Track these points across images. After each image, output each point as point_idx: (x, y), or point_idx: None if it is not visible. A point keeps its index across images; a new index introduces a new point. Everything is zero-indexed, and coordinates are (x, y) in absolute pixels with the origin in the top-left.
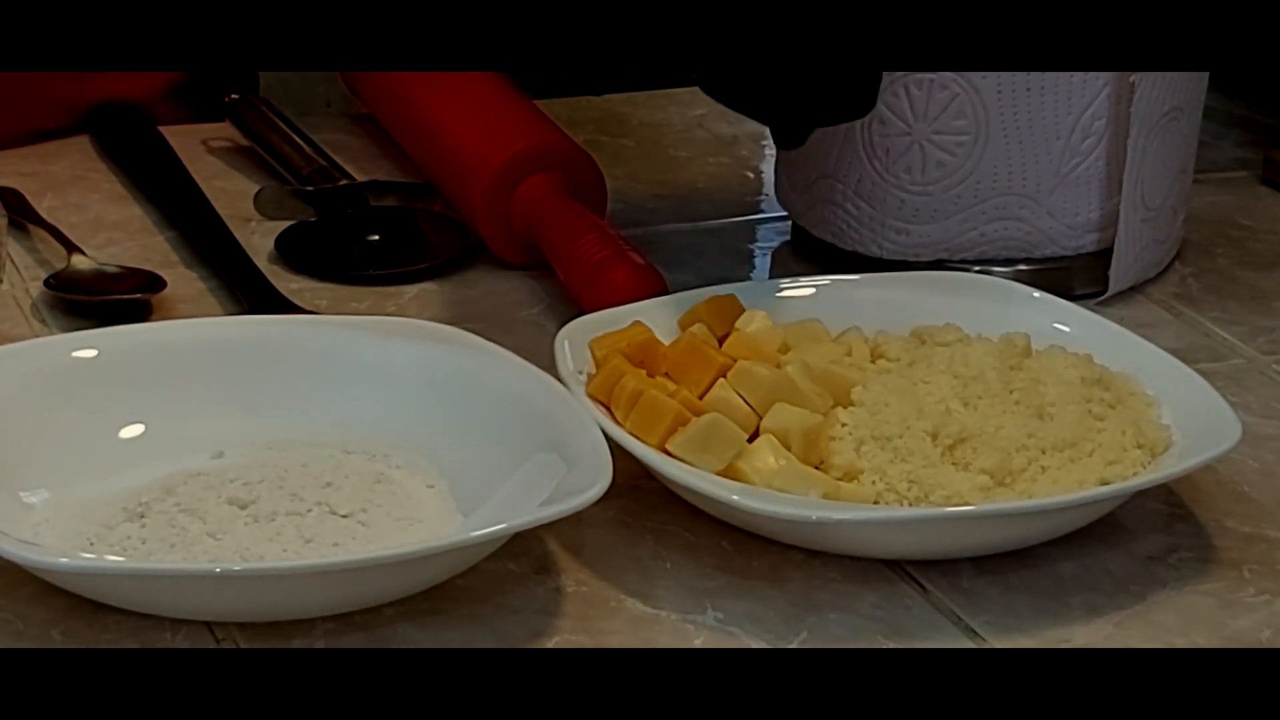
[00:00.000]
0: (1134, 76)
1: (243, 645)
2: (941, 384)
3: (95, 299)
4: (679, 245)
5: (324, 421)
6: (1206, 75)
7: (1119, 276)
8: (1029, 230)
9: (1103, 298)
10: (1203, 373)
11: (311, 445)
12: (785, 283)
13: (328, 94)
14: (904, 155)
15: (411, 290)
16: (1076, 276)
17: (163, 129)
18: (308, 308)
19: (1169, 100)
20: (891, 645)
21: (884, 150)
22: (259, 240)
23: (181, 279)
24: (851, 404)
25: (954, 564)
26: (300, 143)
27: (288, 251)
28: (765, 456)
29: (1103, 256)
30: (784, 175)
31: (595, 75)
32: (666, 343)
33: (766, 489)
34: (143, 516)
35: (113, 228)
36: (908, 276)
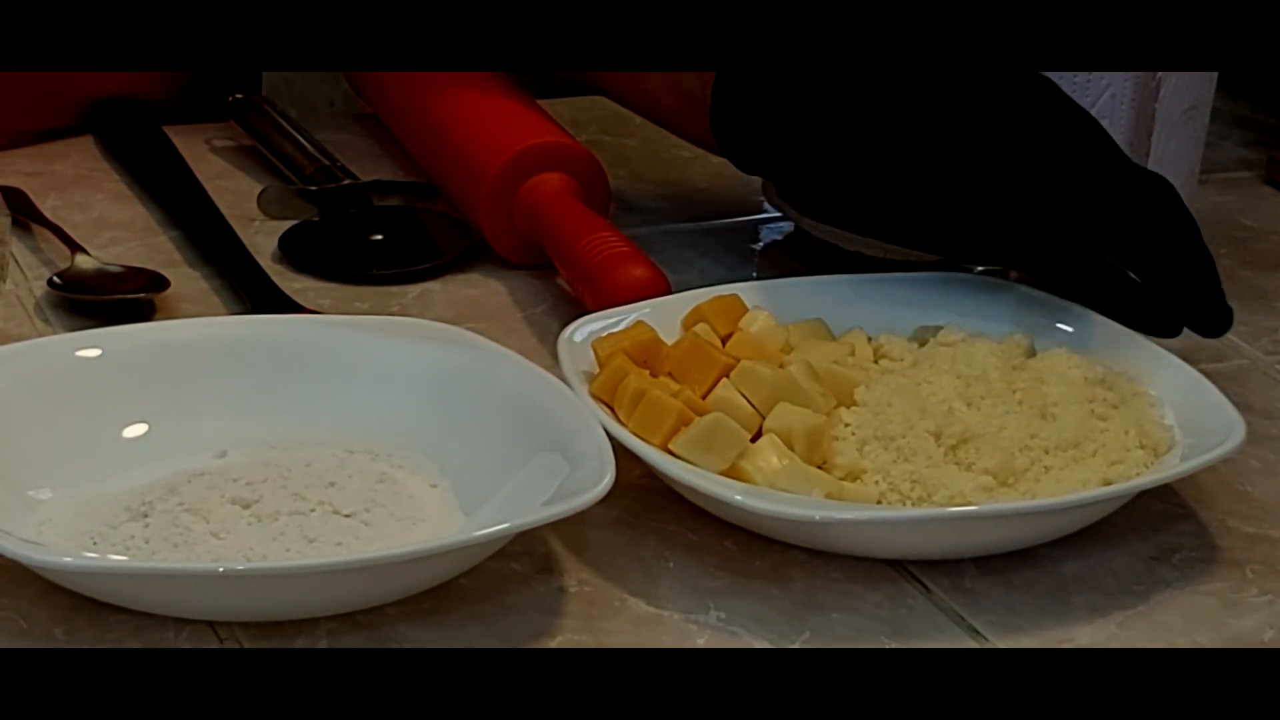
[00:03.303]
0: (1159, 73)
1: (246, 645)
2: (944, 384)
3: (99, 298)
4: (682, 245)
5: (327, 421)
6: (1216, 74)
7: None
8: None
9: None
10: (1206, 373)
11: (314, 445)
12: (788, 282)
13: (331, 94)
14: None
15: (414, 290)
16: None
17: (166, 128)
18: (311, 307)
19: (1188, 97)
20: (894, 645)
21: None
22: (262, 240)
23: (185, 278)
24: (854, 404)
25: (957, 564)
26: (303, 142)
27: (291, 251)
28: (768, 456)
29: None
30: None
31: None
32: (669, 342)
33: (769, 489)
34: (146, 516)
35: (116, 227)
36: (911, 277)
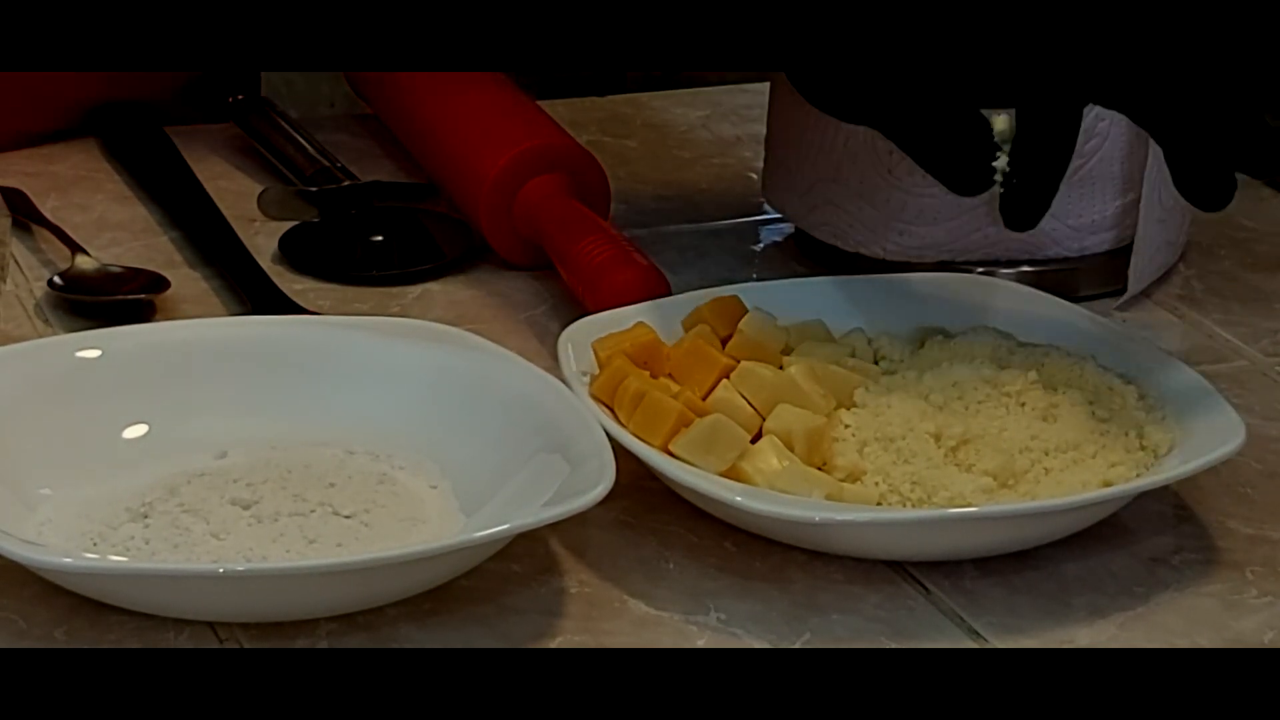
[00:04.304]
0: None
1: (246, 645)
2: (944, 385)
3: (99, 299)
4: (682, 246)
5: (327, 422)
6: None
7: (1138, 277)
8: (1033, 231)
9: (1123, 299)
10: (1206, 374)
11: (314, 445)
12: (788, 283)
13: (331, 94)
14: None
15: (415, 291)
16: (1082, 278)
17: (167, 129)
18: (311, 308)
19: None
20: (894, 646)
21: (887, 152)
22: (262, 241)
23: (185, 279)
24: (854, 405)
25: (957, 565)
26: (304, 143)
27: (291, 252)
28: (768, 457)
29: (1107, 258)
30: (778, 178)
31: (599, 76)
32: (669, 344)
33: (769, 490)
34: (146, 517)
35: (116, 228)
36: (911, 277)
